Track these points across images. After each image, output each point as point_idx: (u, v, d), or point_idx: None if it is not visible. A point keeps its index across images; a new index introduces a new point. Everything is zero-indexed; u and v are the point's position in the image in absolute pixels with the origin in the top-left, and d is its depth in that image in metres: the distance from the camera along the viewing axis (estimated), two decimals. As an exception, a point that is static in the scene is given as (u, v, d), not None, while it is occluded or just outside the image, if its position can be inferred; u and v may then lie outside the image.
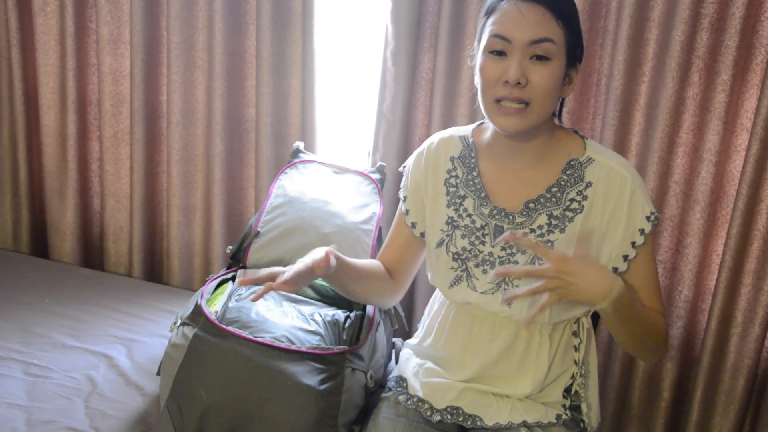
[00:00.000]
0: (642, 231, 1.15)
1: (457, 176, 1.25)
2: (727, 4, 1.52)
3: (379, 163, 1.74)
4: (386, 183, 1.78)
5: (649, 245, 1.17)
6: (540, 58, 1.08)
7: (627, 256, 1.16)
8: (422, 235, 1.30)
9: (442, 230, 1.25)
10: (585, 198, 1.16)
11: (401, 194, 1.33)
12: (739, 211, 1.55)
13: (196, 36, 2.00)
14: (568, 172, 1.17)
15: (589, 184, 1.16)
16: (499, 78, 1.09)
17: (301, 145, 1.78)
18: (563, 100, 1.20)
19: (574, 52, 1.12)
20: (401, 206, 1.33)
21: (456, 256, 1.22)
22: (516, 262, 1.18)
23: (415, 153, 1.31)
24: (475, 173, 1.22)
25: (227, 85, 1.97)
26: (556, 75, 1.09)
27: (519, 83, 1.07)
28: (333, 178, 1.70)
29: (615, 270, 1.17)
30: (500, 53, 1.09)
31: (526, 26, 1.07)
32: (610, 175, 1.15)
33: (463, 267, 1.22)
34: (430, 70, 1.82)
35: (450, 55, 1.75)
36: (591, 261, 1.07)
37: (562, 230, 1.16)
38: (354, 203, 1.63)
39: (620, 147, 1.67)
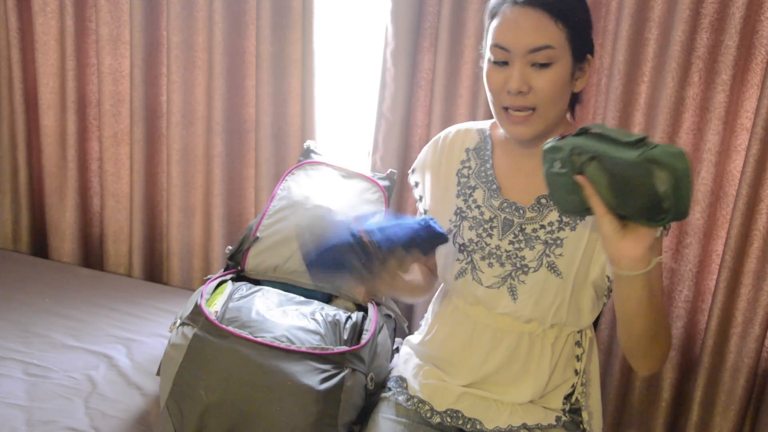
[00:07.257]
0: None
1: (470, 167, 1.24)
2: (727, 4, 1.52)
3: (389, 170, 1.69)
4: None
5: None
6: (542, 65, 1.06)
7: None
8: None
9: (450, 221, 1.24)
10: None
11: (411, 180, 1.33)
12: (739, 211, 1.55)
13: (196, 36, 2.00)
14: None
15: None
16: (503, 87, 1.08)
17: (312, 144, 1.73)
18: (577, 94, 1.16)
19: (582, 47, 1.09)
20: (414, 194, 1.33)
21: (462, 248, 1.21)
22: (523, 257, 1.16)
23: (431, 141, 1.31)
24: (488, 165, 1.22)
25: (227, 85, 1.97)
26: (561, 78, 1.07)
27: (522, 91, 1.06)
28: (340, 183, 1.65)
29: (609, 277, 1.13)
30: (503, 62, 1.09)
31: (523, 34, 1.05)
32: None
33: (469, 259, 1.21)
34: (430, 70, 1.82)
35: (450, 55, 1.75)
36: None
37: (573, 228, 1.14)
38: (358, 213, 1.60)
39: (620, 147, 1.67)
